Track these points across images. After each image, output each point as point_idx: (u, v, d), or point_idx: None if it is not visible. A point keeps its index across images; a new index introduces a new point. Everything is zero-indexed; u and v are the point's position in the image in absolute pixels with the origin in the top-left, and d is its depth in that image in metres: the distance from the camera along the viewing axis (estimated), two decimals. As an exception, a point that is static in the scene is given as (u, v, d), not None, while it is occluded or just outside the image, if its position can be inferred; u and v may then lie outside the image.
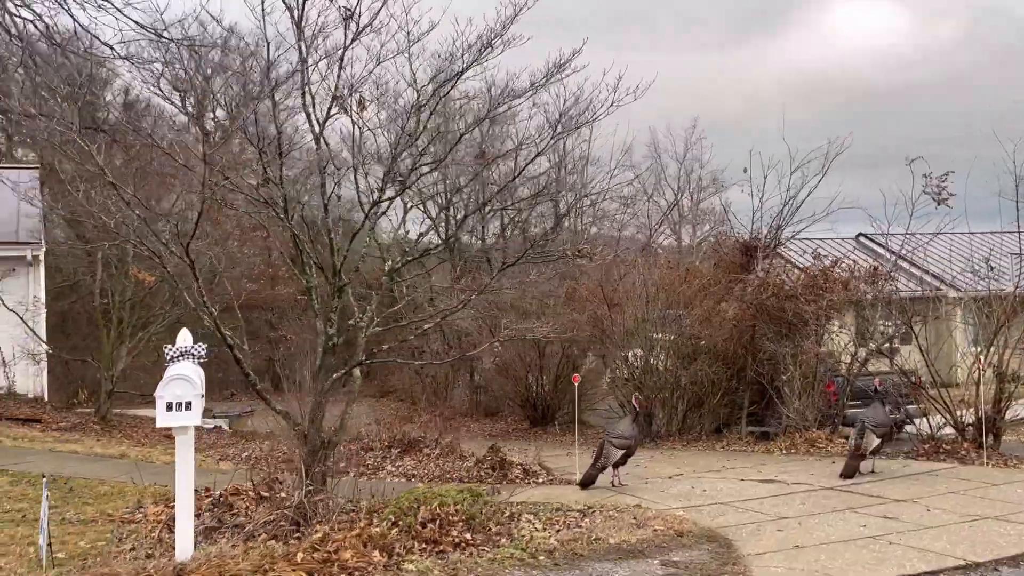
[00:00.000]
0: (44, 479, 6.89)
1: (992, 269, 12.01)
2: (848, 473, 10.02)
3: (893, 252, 27.42)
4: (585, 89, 7.48)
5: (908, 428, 12.51)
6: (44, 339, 19.72)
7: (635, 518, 7.69)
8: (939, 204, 14.09)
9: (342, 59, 7.13)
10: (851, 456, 10.30)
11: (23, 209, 20.70)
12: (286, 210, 7.57)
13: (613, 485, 10.02)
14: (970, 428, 11.23)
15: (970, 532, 7.19)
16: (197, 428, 20.41)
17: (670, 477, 10.78)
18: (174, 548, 7.43)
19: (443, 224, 33.70)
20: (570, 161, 32.37)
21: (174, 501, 8.88)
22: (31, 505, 9.92)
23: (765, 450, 13.49)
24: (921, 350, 11.93)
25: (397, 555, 6.21)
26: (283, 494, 7.91)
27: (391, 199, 7.73)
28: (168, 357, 6.02)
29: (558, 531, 7.23)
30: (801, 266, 16.79)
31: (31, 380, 20.77)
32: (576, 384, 12.60)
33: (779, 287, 14.91)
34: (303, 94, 7.25)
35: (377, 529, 6.45)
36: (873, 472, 10.12)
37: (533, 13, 7.08)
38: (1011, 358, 11.19)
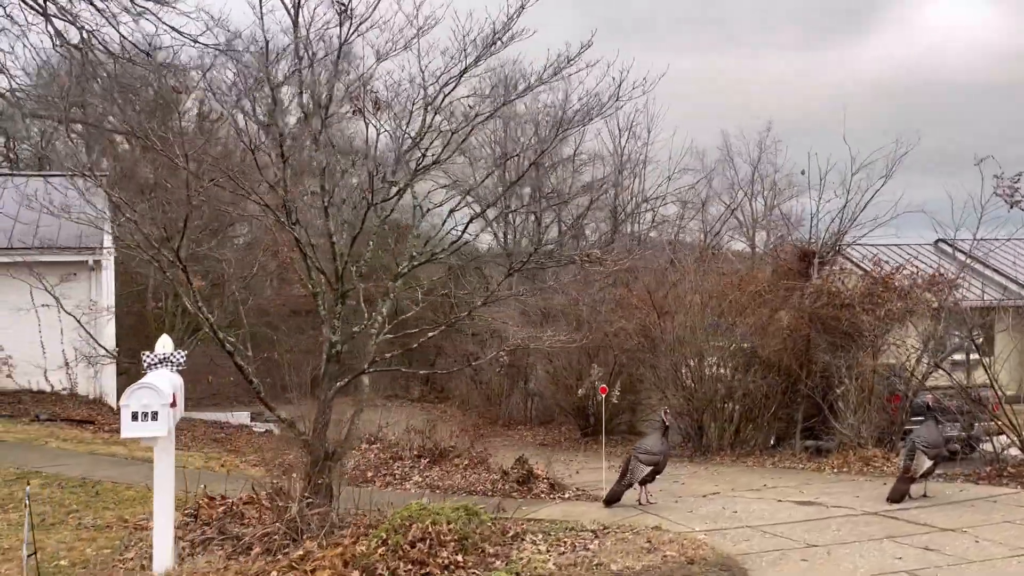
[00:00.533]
0: (27, 487, 6.75)
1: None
2: (895, 497, 9.27)
3: (974, 258, 25.93)
4: (588, 84, 7.04)
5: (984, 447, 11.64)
6: (101, 343, 20.14)
7: (649, 541, 7.20)
8: (1012, 207, 13.14)
9: (339, 55, 6.87)
10: (899, 479, 9.55)
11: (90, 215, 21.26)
12: (288, 214, 7.34)
13: (640, 503, 9.51)
14: (1037, 450, 10.33)
15: (1018, 568, 6.47)
16: (248, 431, 20.40)
17: (704, 496, 10.20)
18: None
19: (501, 228, 33.59)
20: (629, 165, 31.82)
21: (189, 508, 8.78)
22: (54, 509, 9.96)
23: (816, 468, 12.74)
24: (983, 364, 11.05)
25: (379, 576, 5.88)
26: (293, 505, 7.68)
27: (390, 199, 7.43)
28: (145, 364, 5.82)
29: (561, 554, 6.80)
30: (860, 273, 15.89)
31: (91, 382, 21.32)
32: (604, 396, 12.07)
33: (834, 295, 14.12)
34: (300, 93, 7.02)
35: (362, 548, 6.13)
36: (925, 496, 9.35)
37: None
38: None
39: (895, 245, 25.66)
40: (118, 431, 18.70)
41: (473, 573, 6.11)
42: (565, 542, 7.19)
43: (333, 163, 7.49)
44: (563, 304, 22.82)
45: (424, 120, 7.49)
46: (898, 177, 16.76)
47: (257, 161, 7.02)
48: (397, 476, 11.77)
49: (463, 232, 7.90)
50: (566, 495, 10.50)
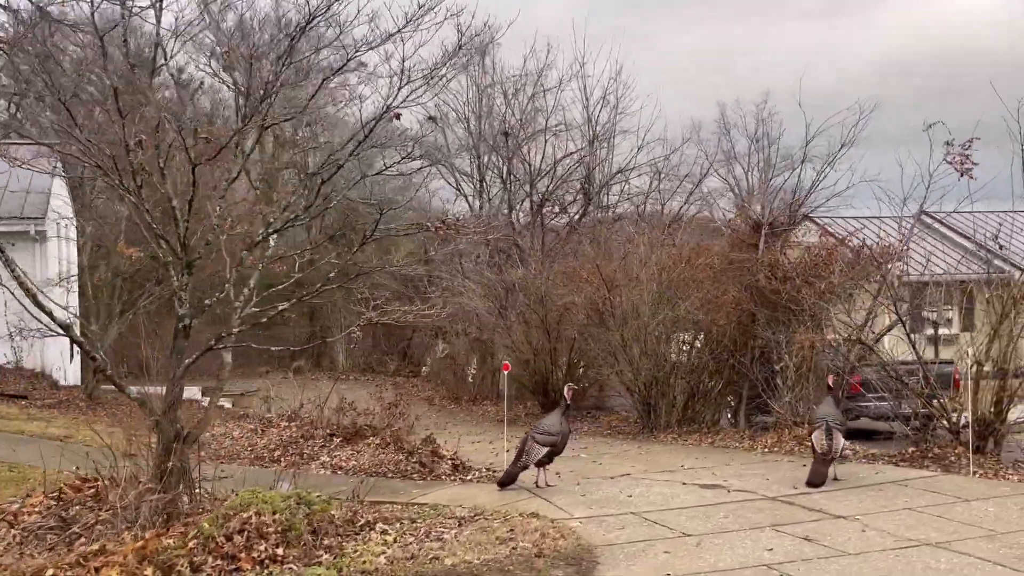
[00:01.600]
0: None
1: (1001, 248, 10.43)
2: (819, 480, 8.68)
3: (959, 232, 25.18)
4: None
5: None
6: (55, 314, 19.69)
7: (512, 530, 6.68)
8: (962, 176, 12.50)
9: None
10: (819, 461, 9.00)
11: (35, 185, 20.82)
12: (124, 177, 6.76)
13: (537, 485, 9.00)
14: (965, 430, 9.77)
15: (892, 562, 5.94)
16: (196, 405, 19.71)
17: (612, 478, 9.69)
18: None
19: (477, 196, 32.88)
20: (605, 136, 30.97)
21: (66, 491, 8.26)
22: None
23: (749, 447, 12.25)
24: (910, 340, 10.48)
25: (177, 573, 5.37)
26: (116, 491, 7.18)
27: (212, 158, 6.84)
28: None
29: (406, 545, 6.29)
30: (807, 244, 15.28)
31: (36, 355, 20.86)
32: (506, 373, 11.55)
33: (775, 267, 13.54)
34: (124, 40, 6.41)
35: (171, 541, 5.61)
36: (835, 479, 8.84)
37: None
38: (1013, 351, 9.66)
39: (876, 217, 25.00)
40: (51, 406, 18.22)
41: (290, 569, 5.60)
42: (420, 531, 6.68)
43: (170, 118, 6.88)
44: (521, 278, 22.31)
45: (277, 74, 6.88)
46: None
47: (73, 115, 6.42)
48: (305, 456, 11.29)
49: (316, 195, 7.30)
50: (468, 476, 10.01)
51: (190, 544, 5.63)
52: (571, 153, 30.74)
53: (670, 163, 30.50)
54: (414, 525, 6.92)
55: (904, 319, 10.43)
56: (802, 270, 13.16)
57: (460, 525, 6.95)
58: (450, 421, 22.98)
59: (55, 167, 20.73)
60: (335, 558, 5.84)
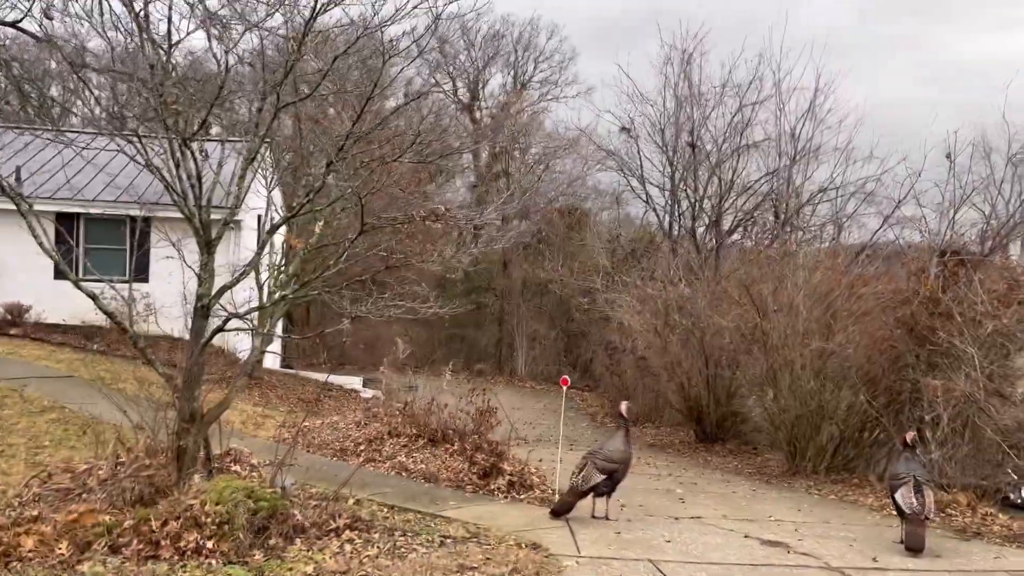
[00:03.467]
0: None
1: None
2: (919, 545, 7.55)
3: None
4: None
5: None
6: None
7: (485, 560, 6.00)
8: None
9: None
10: (915, 522, 7.75)
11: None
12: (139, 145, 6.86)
13: (594, 516, 8.17)
14: None
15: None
16: (354, 395, 20.39)
17: (677, 519, 8.62)
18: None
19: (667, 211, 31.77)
20: (805, 154, 28.65)
21: (122, 456, 8.61)
22: (31, 440, 10.31)
23: (878, 506, 10.57)
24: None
25: (92, 551, 5.24)
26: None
27: (195, 133, 6.70)
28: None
29: (358, 558, 5.79)
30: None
31: (228, 336, 22.53)
32: (565, 388, 10.70)
33: (933, 301, 11.63)
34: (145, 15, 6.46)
35: (108, 517, 5.52)
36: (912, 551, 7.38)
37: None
38: None
39: None
40: (213, 381, 19.40)
41: (208, 564, 5.30)
42: (388, 546, 6.16)
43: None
44: (679, 296, 21.13)
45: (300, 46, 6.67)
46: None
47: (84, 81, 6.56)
48: (383, 454, 11.11)
49: (323, 181, 7.00)
50: (523, 496, 9.31)
51: (125, 524, 5.51)
52: (768, 173, 28.79)
53: (881, 184, 27.61)
54: (395, 538, 6.42)
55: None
56: (964, 307, 11.17)
57: (440, 546, 6.36)
58: (599, 439, 22.15)
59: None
60: (267, 560, 5.48)
